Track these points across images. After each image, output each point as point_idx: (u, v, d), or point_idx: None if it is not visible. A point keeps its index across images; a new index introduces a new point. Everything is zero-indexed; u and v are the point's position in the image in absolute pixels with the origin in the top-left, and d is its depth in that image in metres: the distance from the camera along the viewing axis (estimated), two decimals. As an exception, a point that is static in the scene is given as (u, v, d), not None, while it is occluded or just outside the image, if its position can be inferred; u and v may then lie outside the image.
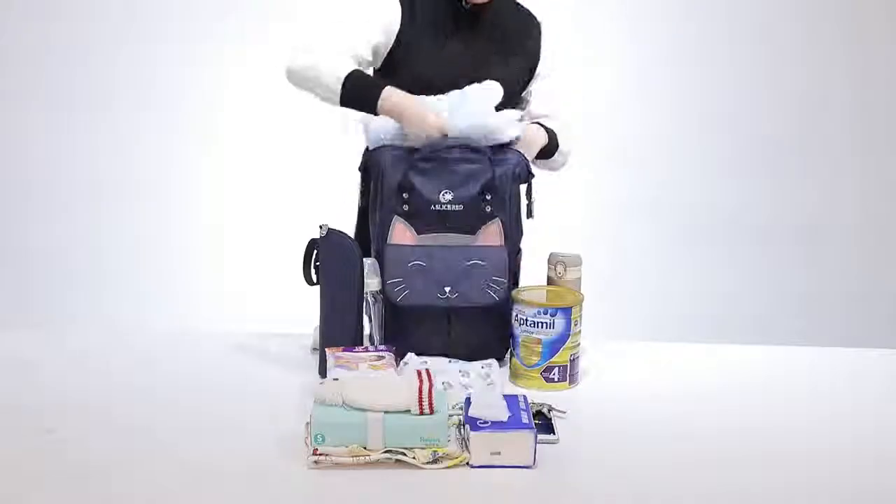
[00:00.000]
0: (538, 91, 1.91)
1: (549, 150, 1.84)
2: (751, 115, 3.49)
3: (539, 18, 1.91)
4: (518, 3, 1.90)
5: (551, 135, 1.84)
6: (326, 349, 1.55)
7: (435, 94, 1.71)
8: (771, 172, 3.53)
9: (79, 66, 3.33)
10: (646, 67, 3.45)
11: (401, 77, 1.75)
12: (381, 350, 1.55)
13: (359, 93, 1.68)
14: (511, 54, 1.85)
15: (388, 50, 1.78)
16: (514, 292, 1.63)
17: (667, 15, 3.41)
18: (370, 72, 1.81)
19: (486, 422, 1.29)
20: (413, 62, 1.78)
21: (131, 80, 3.33)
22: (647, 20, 3.42)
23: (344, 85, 1.67)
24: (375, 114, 1.68)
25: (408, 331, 1.65)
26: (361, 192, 1.73)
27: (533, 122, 1.86)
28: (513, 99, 1.86)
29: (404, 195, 1.62)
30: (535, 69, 1.89)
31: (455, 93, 1.68)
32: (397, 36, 1.77)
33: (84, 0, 3.30)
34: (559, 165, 1.92)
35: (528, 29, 1.88)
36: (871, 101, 3.53)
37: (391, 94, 1.66)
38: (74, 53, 3.32)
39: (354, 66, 1.70)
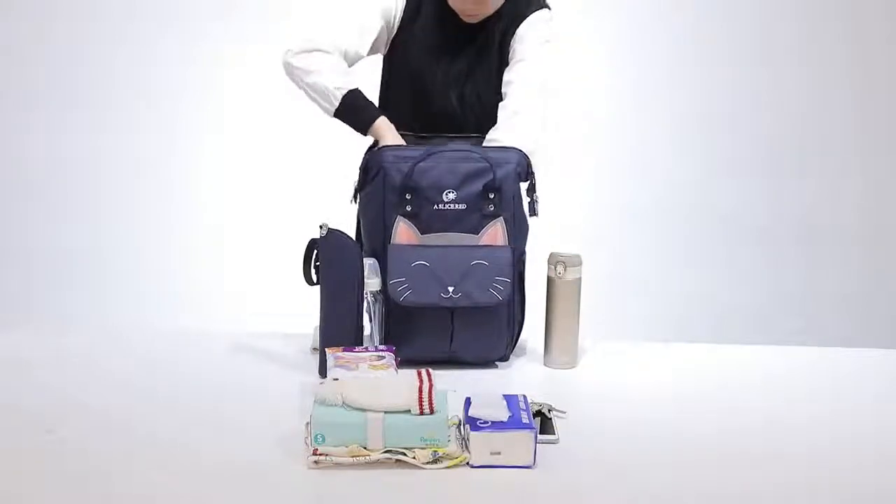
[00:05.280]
0: (511, 76, 1.84)
1: None
2: (751, 115, 3.50)
3: (541, 5, 1.89)
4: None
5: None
6: (326, 349, 1.55)
7: (421, 92, 1.86)
8: (771, 172, 3.54)
9: (79, 65, 3.33)
10: (646, 68, 3.45)
11: (398, 70, 1.88)
12: (382, 350, 1.55)
13: (353, 113, 1.77)
14: (501, 62, 1.87)
15: (390, 38, 1.86)
16: None
17: (667, 15, 3.42)
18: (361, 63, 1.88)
19: (486, 422, 1.29)
20: (411, 58, 1.86)
21: (131, 79, 3.33)
22: (646, 20, 3.42)
23: (342, 101, 1.76)
24: (363, 133, 1.79)
25: (410, 331, 1.65)
26: (355, 191, 1.73)
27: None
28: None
29: (407, 195, 1.62)
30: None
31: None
32: (399, 25, 1.84)
33: (84, 0, 3.30)
34: None
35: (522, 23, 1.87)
36: (871, 101, 3.53)
37: (380, 127, 1.77)
38: (74, 53, 3.32)
39: (354, 85, 1.77)
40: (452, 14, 1.83)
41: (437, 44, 1.85)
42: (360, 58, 1.85)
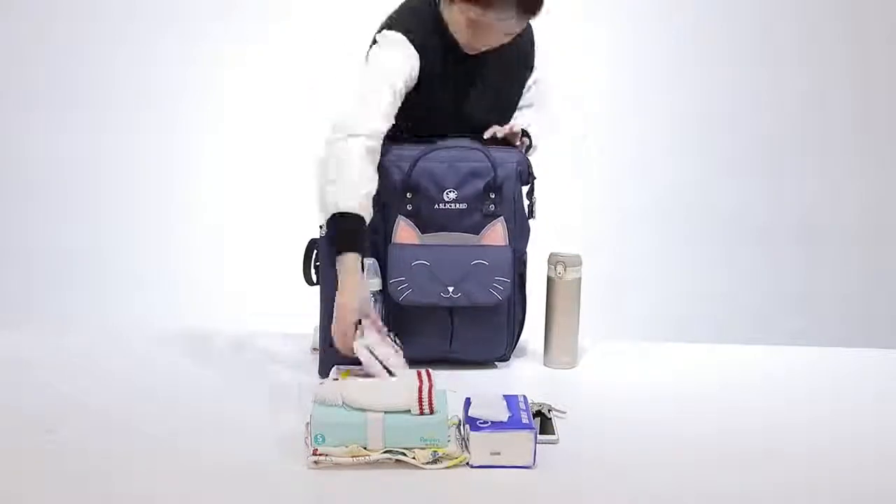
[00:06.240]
0: (529, 85, 1.88)
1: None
2: (751, 115, 3.50)
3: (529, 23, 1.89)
4: None
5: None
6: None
7: (448, 124, 1.71)
8: (771, 172, 3.53)
9: (79, 65, 3.33)
10: (646, 68, 3.45)
11: (415, 110, 1.71)
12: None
13: (334, 234, 1.59)
14: (516, 75, 1.83)
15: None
16: None
17: (666, 15, 3.41)
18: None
19: (486, 422, 1.29)
20: (426, 97, 1.72)
21: (131, 79, 3.33)
22: (646, 20, 3.42)
23: (333, 218, 1.58)
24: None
25: (410, 331, 1.65)
26: None
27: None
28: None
29: (408, 195, 1.62)
30: (532, 70, 1.89)
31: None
32: (415, 82, 1.72)
33: (84, 0, 3.31)
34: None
35: (526, 39, 1.85)
36: (871, 101, 3.53)
37: (344, 263, 1.56)
38: (74, 53, 3.32)
39: (356, 210, 1.57)
40: (455, 47, 1.71)
41: (454, 80, 1.73)
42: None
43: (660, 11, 3.41)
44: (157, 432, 1.38)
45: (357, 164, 1.59)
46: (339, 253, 1.56)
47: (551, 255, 1.73)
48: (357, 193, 1.58)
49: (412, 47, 1.67)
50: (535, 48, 1.88)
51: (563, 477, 1.27)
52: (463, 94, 1.76)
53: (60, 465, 1.27)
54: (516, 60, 1.83)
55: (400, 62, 1.67)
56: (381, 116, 1.63)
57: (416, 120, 1.70)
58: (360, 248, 1.58)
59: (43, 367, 1.65)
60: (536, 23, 1.88)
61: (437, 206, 1.62)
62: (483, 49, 1.71)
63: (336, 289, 1.56)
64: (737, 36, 3.45)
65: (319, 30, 3.16)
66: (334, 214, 1.57)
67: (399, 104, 1.68)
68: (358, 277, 1.56)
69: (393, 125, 1.66)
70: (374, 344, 1.50)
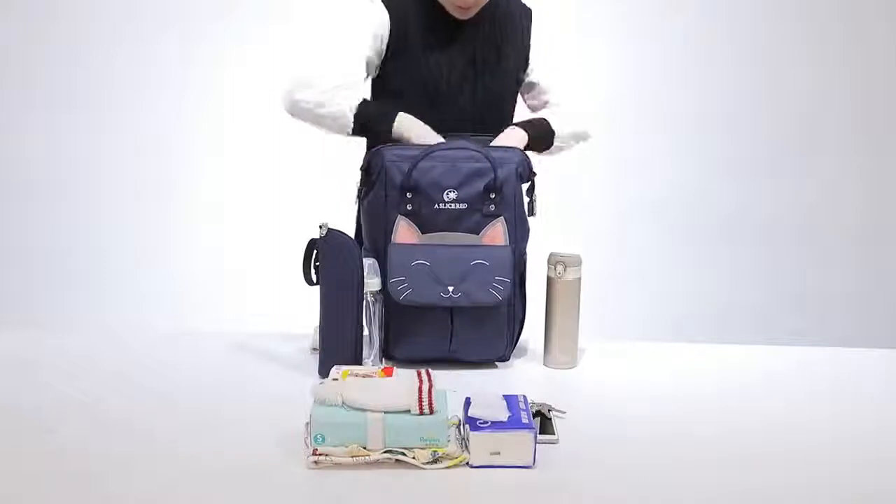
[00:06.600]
0: (533, 82, 1.94)
1: (544, 142, 1.84)
2: (751, 115, 3.50)
3: (529, 7, 1.94)
4: None
5: (537, 125, 1.85)
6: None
7: (434, 97, 1.81)
8: (771, 172, 3.54)
9: (79, 65, 3.33)
10: (646, 67, 3.45)
11: (400, 84, 1.83)
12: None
13: (371, 119, 1.74)
14: (505, 50, 1.88)
15: (380, 60, 1.83)
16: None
17: (667, 14, 3.42)
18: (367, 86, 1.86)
19: (486, 422, 1.29)
20: (410, 69, 1.82)
21: (131, 79, 3.34)
22: (646, 19, 3.43)
23: (356, 116, 1.74)
24: (389, 134, 1.74)
25: (410, 330, 1.65)
26: (359, 191, 1.73)
27: (513, 125, 1.86)
28: (511, 93, 1.92)
29: (408, 194, 1.62)
30: (528, 60, 1.91)
31: None
32: (388, 45, 1.82)
33: (84, 0, 3.31)
34: (572, 145, 1.93)
35: (519, 20, 1.91)
36: (872, 101, 3.53)
37: (403, 122, 1.73)
38: (74, 53, 3.32)
39: (360, 98, 1.75)
40: (444, 14, 1.82)
41: (439, 47, 1.83)
42: (359, 84, 1.81)
43: (660, 11, 3.41)
44: (157, 432, 1.38)
45: (333, 81, 1.75)
46: (391, 127, 1.72)
47: (551, 255, 1.73)
48: (348, 92, 1.75)
49: (381, 5, 1.79)
50: (532, 37, 1.91)
51: (563, 477, 1.27)
52: (448, 66, 1.82)
53: (60, 465, 1.27)
54: (504, 38, 1.87)
55: (365, 20, 1.78)
56: (341, 75, 1.76)
57: (399, 89, 1.80)
58: (391, 110, 1.75)
59: (43, 367, 1.65)
60: (536, 23, 1.90)
61: (437, 206, 1.62)
62: (469, 4, 1.77)
63: (335, 286, 1.57)
64: (737, 36, 3.45)
65: (314, 54, 3.16)
66: (356, 115, 1.73)
67: (364, 62, 1.79)
68: (420, 123, 1.73)
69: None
70: None
